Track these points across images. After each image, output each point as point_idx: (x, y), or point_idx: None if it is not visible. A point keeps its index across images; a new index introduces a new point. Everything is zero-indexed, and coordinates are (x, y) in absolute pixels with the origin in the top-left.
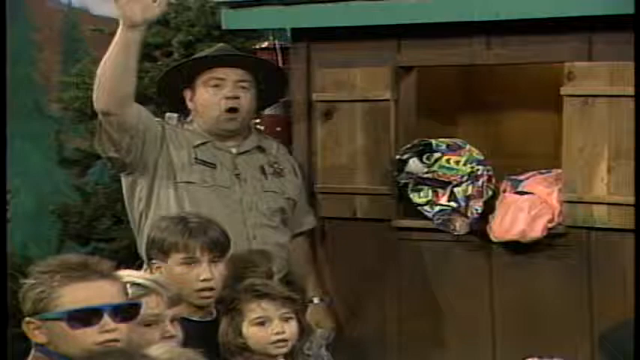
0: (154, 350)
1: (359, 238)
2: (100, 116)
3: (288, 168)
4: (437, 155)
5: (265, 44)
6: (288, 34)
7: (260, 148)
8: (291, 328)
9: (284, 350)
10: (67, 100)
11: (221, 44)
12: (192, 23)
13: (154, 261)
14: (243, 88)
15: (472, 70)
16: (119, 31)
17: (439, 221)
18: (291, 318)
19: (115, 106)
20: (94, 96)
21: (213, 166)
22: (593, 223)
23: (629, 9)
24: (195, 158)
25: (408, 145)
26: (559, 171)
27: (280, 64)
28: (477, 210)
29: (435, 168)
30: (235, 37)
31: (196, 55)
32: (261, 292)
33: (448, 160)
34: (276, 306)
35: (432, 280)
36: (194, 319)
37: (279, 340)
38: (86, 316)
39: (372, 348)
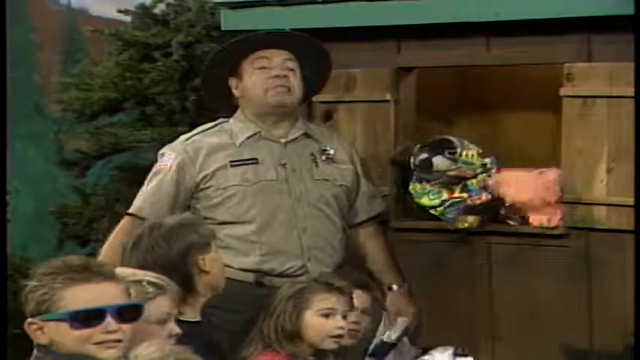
0: (143, 349)
1: None
2: None
3: (341, 154)
4: (459, 150)
5: None
6: None
7: (307, 135)
8: (346, 326)
9: (336, 346)
10: (67, 101)
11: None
12: (191, 24)
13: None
14: (290, 69)
15: (472, 70)
16: None
17: (450, 216)
18: (347, 316)
19: None
20: None
21: (255, 161)
22: (592, 224)
23: (629, 10)
24: (232, 161)
25: (420, 145)
26: (557, 170)
27: None
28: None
29: (459, 164)
30: (235, 37)
31: (239, 38)
32: (334, 285)
33: (467, 155)
34: (344, 301)
35: (431, 281)
36: (182, 319)
37: (338, 335)
38: (89, 317)
39: None
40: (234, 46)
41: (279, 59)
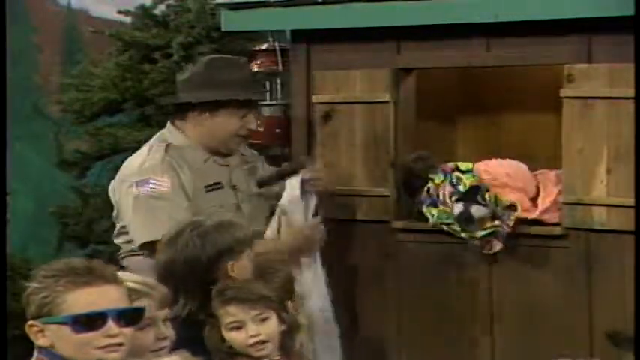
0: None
1: (358, 240)
2: None
3: (258, 165)
4: (489, 194)
5: (265, 46)
6: (288, 36)
7: (241, 154)
8: (267, 329)
9: (265, 352)
10: (67, 102)
11: (249, 71)
12: (191, 25)
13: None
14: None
15: (472, 71)
16: None
17: (477, 242)
18: (266, 318)
19: None
20: None
21: (220, 185)
22: (592, 225)
23: (629, 10)
24: (206, 186)
25: (456, 198)
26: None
27: (280, 66)
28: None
29: (491, 208)
30: (235, 38)
31: (243, 97)
32: (228, 296)
33: (490, 197)
34: (246, 309)
35: (431, 282)
36: None
37: (256, 343)
38: (90, 321)
39: (372, 349)
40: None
41: (253, 112)
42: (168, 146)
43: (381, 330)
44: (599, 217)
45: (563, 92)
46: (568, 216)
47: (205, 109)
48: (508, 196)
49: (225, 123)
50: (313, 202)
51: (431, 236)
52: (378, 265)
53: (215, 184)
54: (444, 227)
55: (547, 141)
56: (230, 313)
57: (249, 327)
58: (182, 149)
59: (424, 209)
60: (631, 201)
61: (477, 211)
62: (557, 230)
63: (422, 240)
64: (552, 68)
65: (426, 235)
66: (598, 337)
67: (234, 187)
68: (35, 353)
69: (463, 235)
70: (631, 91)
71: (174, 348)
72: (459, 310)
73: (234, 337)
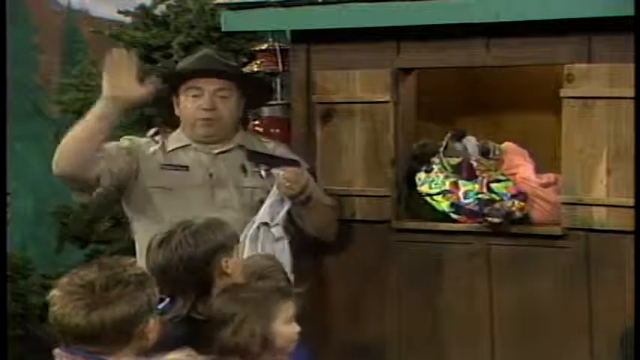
0: (169, 357)
1: (358, 240)
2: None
3: (246, 163)
4: (492, 161)
5: (265, 46)
6: (288, 36)
7: (242, 147)
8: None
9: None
10: (67, 102)
11: (206, 50)
12: (191, 25)
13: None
14: (223, 97)
15: (472, 72)
16: (99, 102)
17: (477, 209)
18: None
19: (76, 169)
20: (54, 161)
21: (185, 168)
22: (592, 225)
23: (629, 10)
24: (163, 164)
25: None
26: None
27: (280, 66)
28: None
29: (488, 166)
30: (235, 39)
31: (177, 68)
32: (288, 292)
33: (495, 174)
34: (295, 306)
35: (431, 282)
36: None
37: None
38: None
39: (372, 349)
40: (168, 76)
41: (210, 90)
42: (156, 134)
43: (381, 330)
44: (599, 217)
45: (563, 92)
46: (568, 216)
47: (169, 94)
48: (524, 171)
49: (183, 108)
50: (285, 207)
51: (431, 236)
52: (378, 265)
53: (179, 166)
54: (428, 199)
55: (547, 141)
56: (290, 308)
57: (294, 323)
58: (170, 136)
59: (416, 177)
60: (631, 201)
61: (469, 143)
62: (557, 230)
63: (422, 240)
64: (552, 68)
65: (426, 235)
66: (598, 337)
67: (210, 175)
68: (57, 351)
69: (438, 198)
70: (631, 91)
71: (173, 347)
72: (458, 311)
73: (287, 331)
